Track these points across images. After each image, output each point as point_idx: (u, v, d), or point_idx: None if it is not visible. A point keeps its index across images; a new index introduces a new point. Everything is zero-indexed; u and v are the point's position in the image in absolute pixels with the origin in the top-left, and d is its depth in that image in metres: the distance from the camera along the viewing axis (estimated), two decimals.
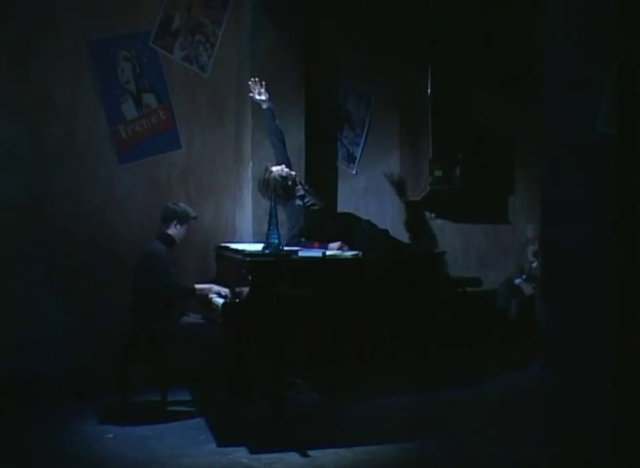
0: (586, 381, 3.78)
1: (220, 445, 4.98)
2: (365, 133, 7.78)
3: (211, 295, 5.65)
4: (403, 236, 7.48)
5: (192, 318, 5.84)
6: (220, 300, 5.46)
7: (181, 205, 6.00)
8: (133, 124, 7.02)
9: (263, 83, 6.32)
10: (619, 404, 3.54)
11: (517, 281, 7.73)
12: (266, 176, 6.12)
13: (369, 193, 7.73)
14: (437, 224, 7.99)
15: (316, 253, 5.65)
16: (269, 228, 5.46)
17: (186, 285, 5.77)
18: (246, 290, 5.30)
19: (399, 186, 7.83)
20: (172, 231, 5.86)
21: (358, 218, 6.51)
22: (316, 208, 6.30)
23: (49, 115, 6.73)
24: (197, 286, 5.76)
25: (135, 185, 6.97)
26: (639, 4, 3.54)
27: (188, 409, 5.79)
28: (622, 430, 3.52)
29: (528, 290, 7.62)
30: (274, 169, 6.16)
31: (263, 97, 6.30)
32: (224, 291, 5.63)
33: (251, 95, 6.33)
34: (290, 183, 6.16)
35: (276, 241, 5.43)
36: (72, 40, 6.76)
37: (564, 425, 3.96)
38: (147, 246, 5.85)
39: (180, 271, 5.88)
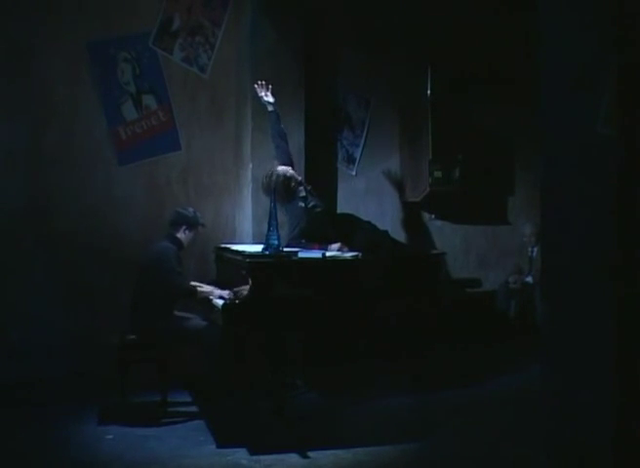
0: (586, 381, 3.78)
1: (219, 446, 4.99)
2: (365, 134, 7.76)
3: (211, 297, 5.65)
4: (403, 237, 7.48)
5: (193, 319, 5.84)
6: (221, 301, 5.46)
7: (191, 210, 6.01)
8: (132, 125, 7.02)
9: (270, 86, 6.33)
10: (619, 404, 3.54)
11: (510, 279, 7.72)
12: (270, 174, 6.12)
13: (369, 194, 7.72)
14: (437, 225, 7.97)
15: (316, 254, 5.65)
16: (269, 229, 5.46)
17: (189, 285, 5.77)
18: (246, 290, 5.30)
19: (399, 187, 7.82)
20: (180, 235, 5.89)
21: (358, 219, 6.50)
22: (318, 210, 6.30)
23: (49, 116, 6.73)
24: (199, 288, 5.76)
25: (134, 186, 6.97)
26: (637, 4, 3.54)
27: (188, 410, 5.79)
28: (622, 430, 3.52)
29: (527, 281, 7.62)
30: (280, 168, 6.16)
31: (271, 100, 6.31)
32: (226, 293, 5.62)
33: (260, 95, 6.34)
34: (293, 184, 6.15)
35: (276, 242, 5.43)
36: (72, 41, 6.77)
37: (564, 425, 3.95)
38: (156, 245, 5.87)
39: (182, 272, 5.88)
